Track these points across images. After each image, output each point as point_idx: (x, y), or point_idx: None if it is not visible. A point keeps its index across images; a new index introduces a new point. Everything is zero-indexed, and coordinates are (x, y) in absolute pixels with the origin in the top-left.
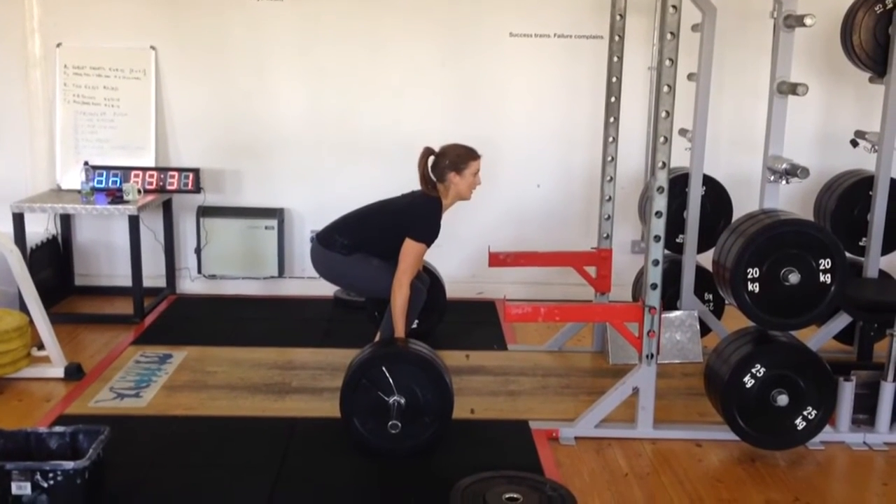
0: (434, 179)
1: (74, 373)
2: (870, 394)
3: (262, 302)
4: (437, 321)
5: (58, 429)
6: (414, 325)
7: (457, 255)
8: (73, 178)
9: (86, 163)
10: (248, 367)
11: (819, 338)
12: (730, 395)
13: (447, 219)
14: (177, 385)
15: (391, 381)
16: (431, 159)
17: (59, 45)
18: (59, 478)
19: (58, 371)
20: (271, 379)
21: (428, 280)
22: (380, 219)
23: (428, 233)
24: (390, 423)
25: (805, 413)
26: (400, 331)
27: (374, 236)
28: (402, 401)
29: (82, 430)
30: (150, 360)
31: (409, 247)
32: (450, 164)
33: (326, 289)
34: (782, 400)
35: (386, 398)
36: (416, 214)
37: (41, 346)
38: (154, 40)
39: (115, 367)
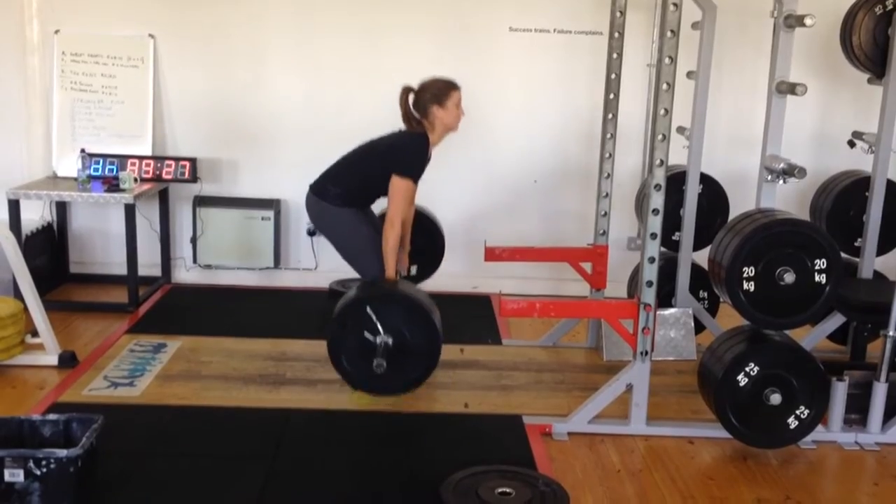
0: (418, 117)
1: (68, 361)
2: (862, 394)
3: (258, 293)
4: (435, 266)
5: (51, 417)
6: (413, 272)
7: (452, 249)
8: (70, 166)
9: (82, 150)
10: (242, 357)
11: (813, 337)
12: (723, 392)
13: (443, 208)
14: (171, 374)
15: (377, 321)
16: (412, 97)
17: (57, 31)
18: (52, 466)
19: (52, 359)
20: (265, 370)
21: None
22: (368, 162)
23: (413, 167)
24: (375, 361)
25: (797, 412)
26: (390, 270)
27: (366, 183)
28: (390, 340)
29: (76, 418)
30: (144, 350)
31: (396, 184)
32: (431, 97)
33: (322, 280)
34: (775, 399)
35: (372, 338)
36: (401, 150)
37: (35, 334)
38: (153, 28)
39: (109, 355)
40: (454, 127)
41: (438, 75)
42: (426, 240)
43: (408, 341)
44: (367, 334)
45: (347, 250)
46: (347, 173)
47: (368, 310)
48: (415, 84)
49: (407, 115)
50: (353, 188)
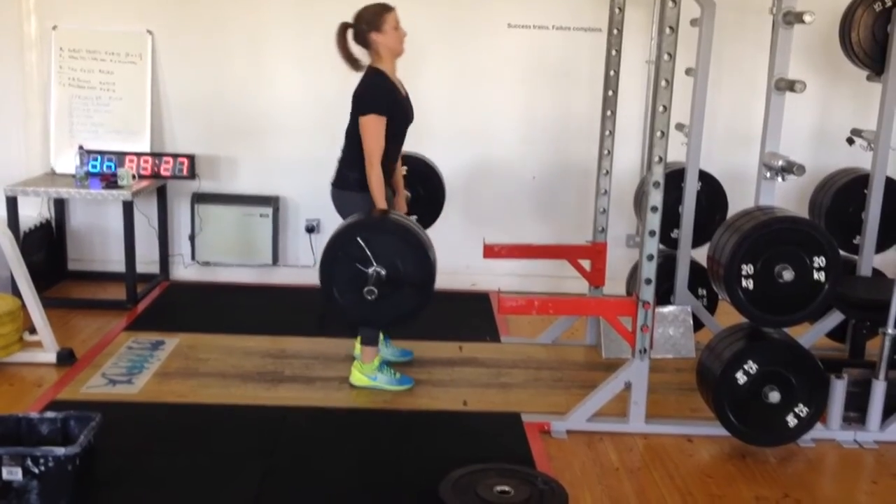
0: (361, 50)
1: (66, 358)
2: (861, 392)
3: (256, 290)
4: (436, 213)
5: (49, 414)
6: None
7: (451, 245)
8: (68, 162)
9: (80, 147)
10: (240, 355)
11: (811, 335)
12: (722, 390)
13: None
14: (169, 372)
15: (368, 251)
16: (350, 32)
17: (54, 27)
18: (50, 464)
19: (50, 356)
20: (264, 367)
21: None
22: (352, 131)
23: (372, 101)
24: (366, 289)
25: (796, 410)
26: (380, 202)
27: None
28: (383, 271)
29: (73, 415)
30: (142, 347)
31: (362, 123)
32: (367, 26)
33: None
34: (774, 397)
35: (364, 269)
36: (357, 93)
37: (33, 331)
38: (151, 24)
39: (107, 352)
40: (398, 49)
41: (371, 1)
42: (425, 187)
43: (401, 272)
44: (358, 265)
45: None
46: (353, 150)
47: (359, 240)
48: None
49: (347, 55)
50: (362, 163)
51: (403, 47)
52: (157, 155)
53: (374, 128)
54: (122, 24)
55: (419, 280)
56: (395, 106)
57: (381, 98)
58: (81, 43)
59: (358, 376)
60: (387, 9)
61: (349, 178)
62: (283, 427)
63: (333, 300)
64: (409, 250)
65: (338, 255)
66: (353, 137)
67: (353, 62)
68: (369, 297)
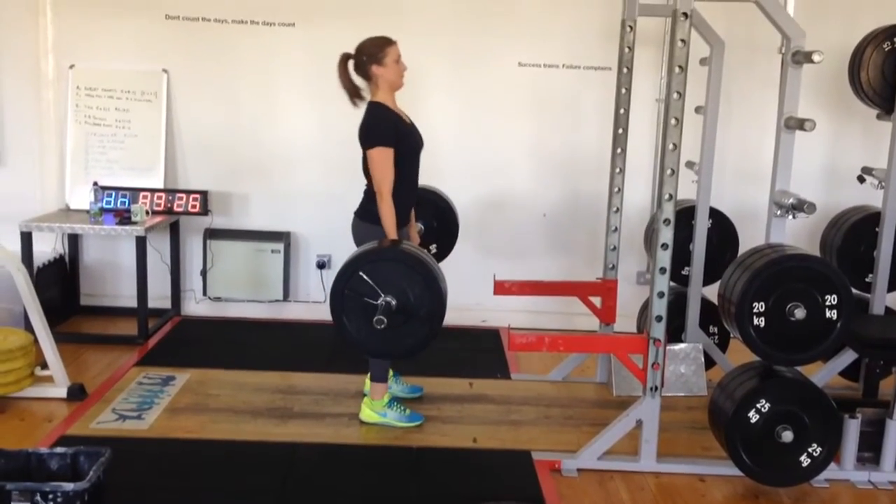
0: (362, 81)
1: (77, 393)
2: (875, 432)
3: (267, 325)
4: (451, 245)
5: (59, 450)
6: (433, 250)
7: (461, 281)
8: (83, 198)
9: (95, 183)
10: (250, 390)
11: (824, 374)
12: (734, 429)
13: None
14: (179, 407)
15: (374, 283)
16: (351, 63)
17: (72, 66)
18: (59, 499)
19: (60, 391)
20: (273, 403)
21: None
22: (365, 167)
23: (376, 134)
24: (375, 318)
25: (810, 450)
26: (391, 233)
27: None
28: (393, 301)
29: (83, 451)
30: (152, 382)
31: (370, 157)
32: (368, 58)
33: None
34: (787, 436)
35: (374, 300)
36: (361, 128)
37: (45, 366)
38: (166, 63)
39: (117, 388)
40: (398, 83)
41: (374, 34)
42: (439, 219)
43: (411, 301)
44: (366, 298)
45: None
46: (372, 185)
47: (362, 273)
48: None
49: (349, 87)
50: None
51: (403, 81)
52: (170, 191)
53: (380, 160)
54: (138, 62)
55: (430, 308)
56: (400, 135)
57: (385, 130)
58: (98, 81)
59: (368, 413)
60: (389, 42)
61: (371, 210)
62: (293, 463)
63: (345, 332)
64: (418, 279)
65: (347, 286)
66: (367, 172)
67: (353, 91)
68: (379, 327)
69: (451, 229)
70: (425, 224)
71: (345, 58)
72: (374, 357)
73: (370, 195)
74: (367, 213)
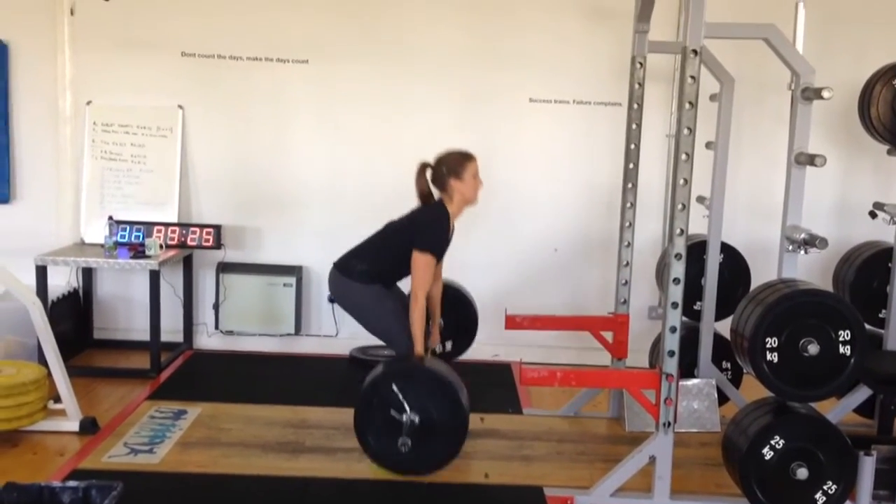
0: (437, 191)
1: (89, 427)
2: (891, 469)
3: (278, 359)
4: (470, 340)
5: (71, 483)
6: (448, 348)
7: None
8: (97, 232)
9: (110, 217)
10: (262, 424)
11: (839, 411)
12: (748, 466)
13: (464, 278)
14: (190, 442)
15: (403, 398)
16: (430, 172)
17: (89, 102)
18: None
19: (73, 425)
20: (285, 437)
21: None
22: (392, 238)
23: (432, 241)
24: (400, 441)
25: (825, 487)
26: (419, 346)
27: (390, 258)
28: (416, 419)
29: (95, 485)
30: (164, 416)
31: (417, 259)
32: (448, 170)
33: (342, 347)
34: (802, 473)
35: (398, 416)
36: (421, 224)
37: (58, 399)
38: (182, 99)
39: (129, 421)
40: (473, 199)
41: (454, 147)
42: (458, 314)
43: (434, 419)
44: (392, 412)
45: (374, 326)
46: (372, 249)
47: (394, 387)
48: (431, 159)
49: (423, 194)
50: (379, 264)
51: (478, 197)
52: (184, 225)
53: (427, 266)
54: (154, 99)
55: (452, 428)
56: (444, 247)
57: (441, 240)
58: (114, 117)
59: None
60: (469, 158)
61: (355, 268)
62: (304, 499)
63: (368, 447)
64: (445, 401)
65: (373, 400)
66: (387, 246)
67: (425, 197)
68: (403, 450)
69: (469, 327)
70: (445, 319)
71: (423, 166)
72: (396, 473)
73: (363, 253)
74: (349, 270)
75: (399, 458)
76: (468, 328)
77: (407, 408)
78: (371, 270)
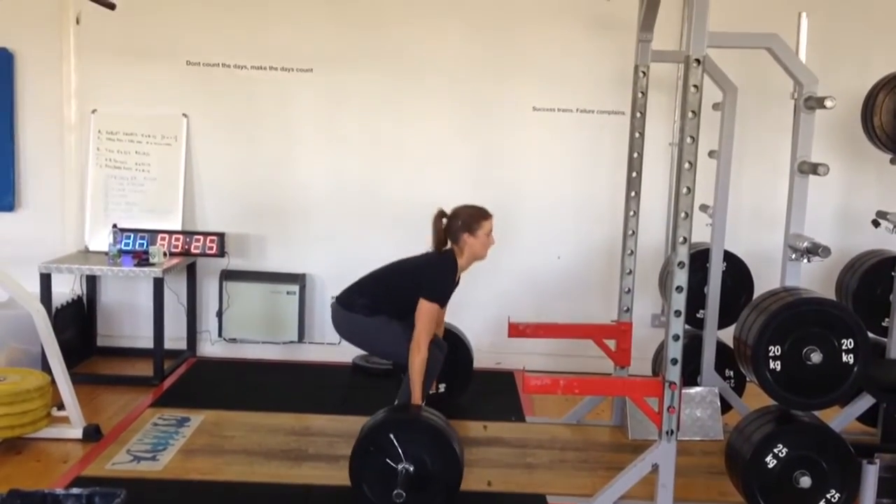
0: (449, 241)
1: (92, 434)
2: (894, 477)
3: (281, 367)
4: (465, 385)
5: (74, 491)
6: (441, 390)
7: (476, 324)
8: (102, 240)
9: (114, 225)
10: (265, 432)
11: (842, 419)
12: (751, 474)
13: (467, 286)
14: (193, 449)
15: (399, 448)
16: (444, 221)
17: (94, 111)
18: None
19: (76, 432)
20: (288, 445)
21: (445, 345)
22: (397, 279)
23: (439, 292)
24: (395, 492)
25: (828, 496)
26: (417, 396)
27: (392, 297)
28: (411, 468)
29: (98, 492)
30: (167, 423)
31: (423, 307)
32: (462, 225)
33: (345, 355)
34: (805, 482)
35: (394, 465)
36: (429, 273)
37: (61, 407)
38: (186, 108)
39: (132, 429)
40: (482, 256)
41: (472, 203)
42: (456, 358)
43: (429, 470)
44: (388, 461)
45: (384, 349)
46: (375, 285)
47: (391, 437)
48: (449, 208)
49: (439, 239)
50: (381, 300)
51: (488, 254)
52: (188, 233)
53: (432, 315)
54: (158, 107)
55: (447, 480)
56: (449, 295)
57: (446, 291)
58: (119, 126)
59: None
60: (485, 216)
61: (357, 302)
62: None
63: (363, 496)
64: (439, 452)
65: (369, 449)
66: (391, 284)
67: (440, 244)
68: (398, 501)
69: (465, 370)
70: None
71: (440, 214)
72: None
73: (365, 289)
74: (352, 305)
75: None
76: (464, 373)
77: (403, 457)
78: (372, 304)
